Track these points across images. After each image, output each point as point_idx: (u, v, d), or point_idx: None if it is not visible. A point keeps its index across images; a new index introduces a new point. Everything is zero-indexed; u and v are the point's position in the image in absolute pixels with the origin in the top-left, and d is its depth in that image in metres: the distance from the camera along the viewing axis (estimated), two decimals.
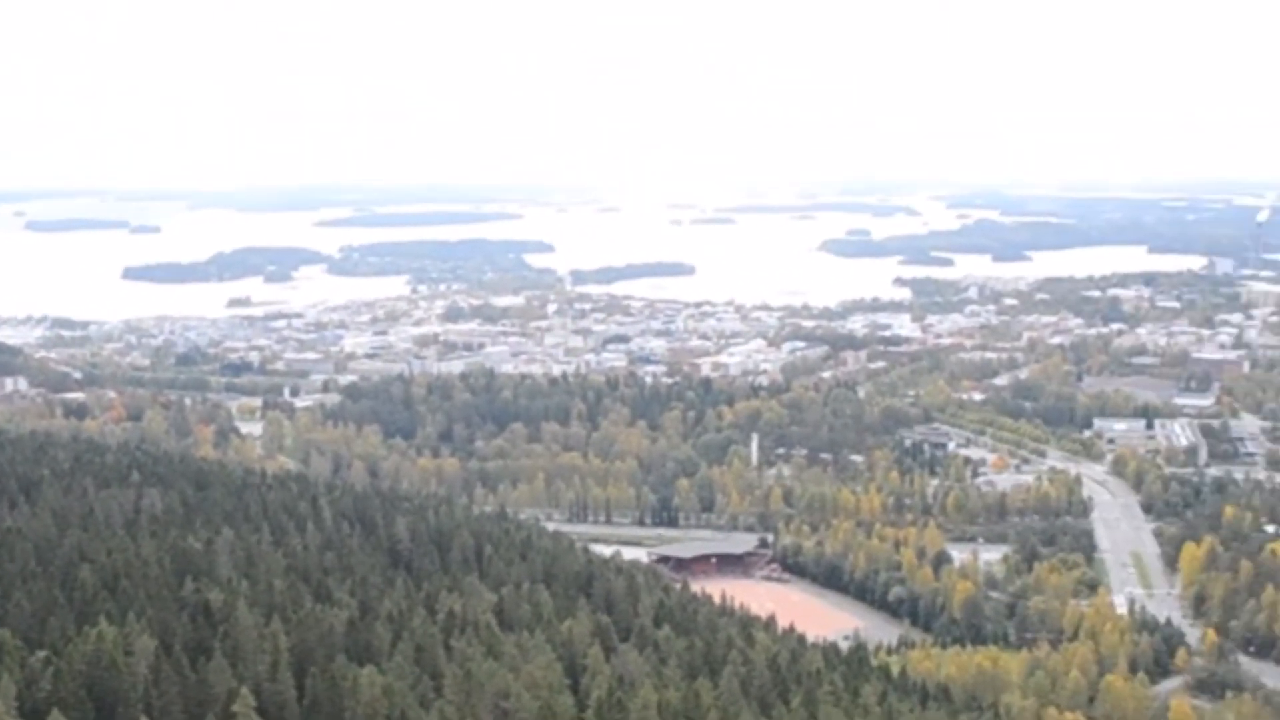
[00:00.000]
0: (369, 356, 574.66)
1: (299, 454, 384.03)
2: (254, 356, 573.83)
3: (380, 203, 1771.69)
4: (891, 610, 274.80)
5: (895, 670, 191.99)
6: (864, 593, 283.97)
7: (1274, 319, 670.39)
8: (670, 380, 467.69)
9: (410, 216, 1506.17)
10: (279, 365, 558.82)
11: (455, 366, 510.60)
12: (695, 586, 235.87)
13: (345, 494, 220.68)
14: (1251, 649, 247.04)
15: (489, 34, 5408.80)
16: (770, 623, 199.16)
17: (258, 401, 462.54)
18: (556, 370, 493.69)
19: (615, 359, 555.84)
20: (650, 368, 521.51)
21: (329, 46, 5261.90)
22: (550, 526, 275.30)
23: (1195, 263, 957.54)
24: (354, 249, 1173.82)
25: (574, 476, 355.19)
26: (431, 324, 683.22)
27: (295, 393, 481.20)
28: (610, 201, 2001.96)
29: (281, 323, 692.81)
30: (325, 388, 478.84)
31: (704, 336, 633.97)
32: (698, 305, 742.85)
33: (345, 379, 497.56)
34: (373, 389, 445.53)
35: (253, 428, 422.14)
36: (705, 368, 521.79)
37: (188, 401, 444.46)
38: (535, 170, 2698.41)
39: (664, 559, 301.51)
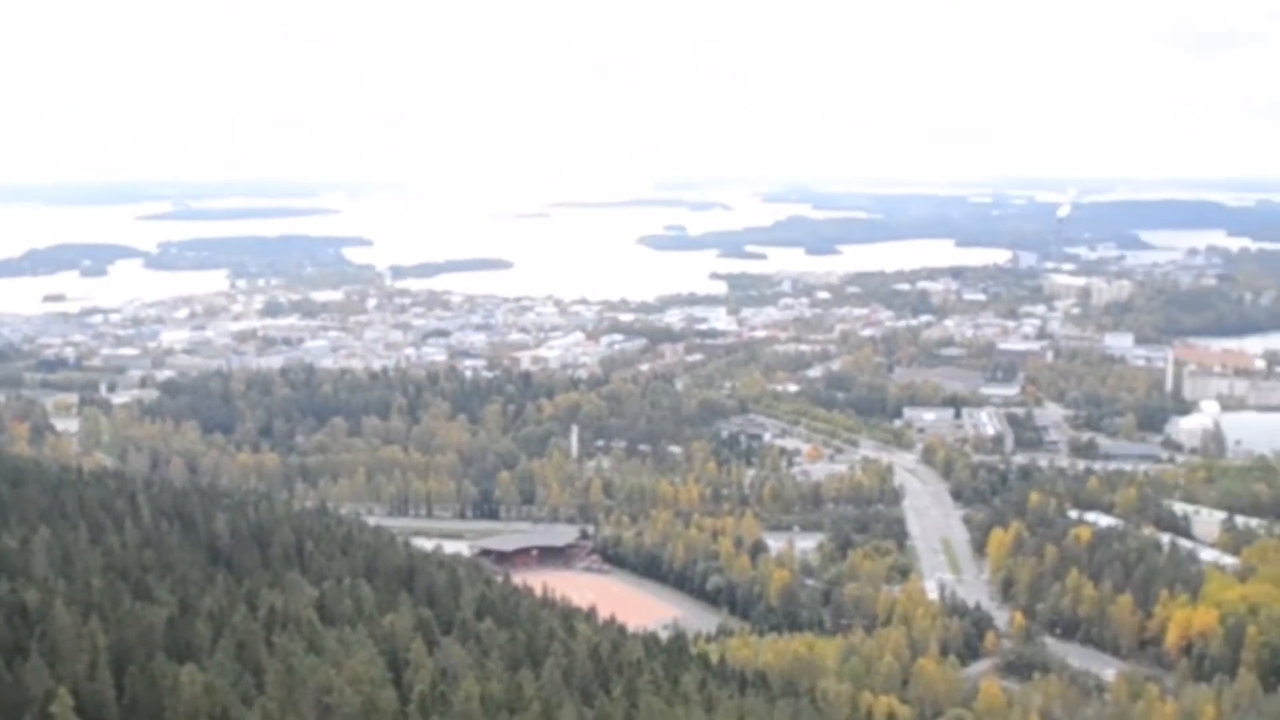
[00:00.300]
0: (187, 352, 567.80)
1: (116, 450, 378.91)
2: (70, 352, 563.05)
3: (199, 197, 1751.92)
4: (710, 599, 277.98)
5: (714, 658, 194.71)
6: (683, 582, 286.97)
7: (1075, 310, 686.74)
8: (490, 374, 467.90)
9: (229, 211, 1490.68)
10: (95, 361, 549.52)
11: (275, 361, 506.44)
12: (517, 579, 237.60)
13: (164, 491, 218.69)
14: (1057, 631, 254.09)
15: (307, 28, 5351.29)
16: (591, 613, 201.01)
17: (74, 398, 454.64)
18: (376, 365, 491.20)
19: (435, 353, 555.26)
20: (470, 362, 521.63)
21: (148, 35, 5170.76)
22: (371, 521, 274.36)
23: (1000, 256, 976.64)
24: (172, 244, 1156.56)
25: (395, 470, 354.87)
26: (250, 319, 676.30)
27: (112, 389, 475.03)
28: (429, 197, 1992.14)
29: (98, 318, 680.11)
30: (143, 384, 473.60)
31: (523, 330, 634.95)
32: (517, 300, 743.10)
33: (163, 375, 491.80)
34: (191, 385, 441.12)
35: (69, 424, 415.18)
36: (525, 361, 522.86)
37: (1, 398, 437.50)
38: (354, 166, 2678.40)
39: (485, 552, 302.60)
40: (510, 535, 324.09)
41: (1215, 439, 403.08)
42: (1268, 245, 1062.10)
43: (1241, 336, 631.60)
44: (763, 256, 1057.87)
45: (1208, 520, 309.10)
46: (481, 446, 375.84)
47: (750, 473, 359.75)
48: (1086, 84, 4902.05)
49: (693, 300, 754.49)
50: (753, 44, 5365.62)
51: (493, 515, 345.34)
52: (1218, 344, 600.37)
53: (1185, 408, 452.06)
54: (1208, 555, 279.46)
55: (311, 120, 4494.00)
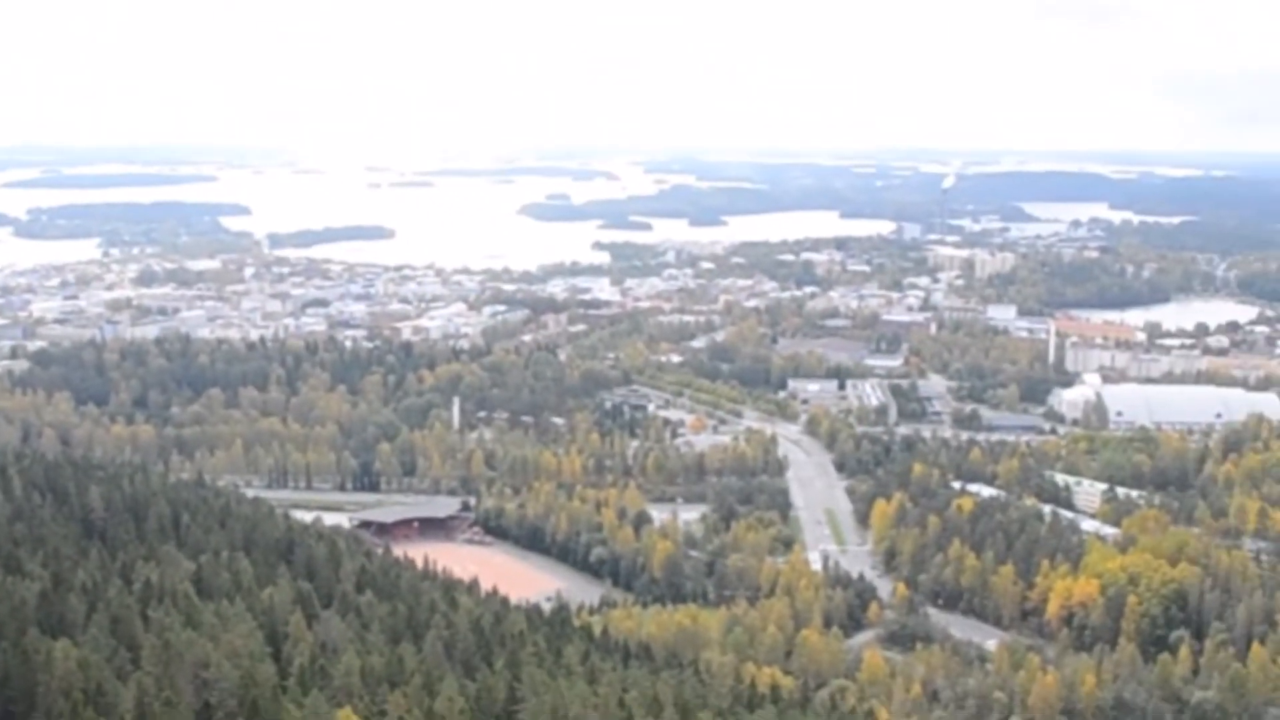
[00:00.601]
0: (59, 322, 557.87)
1: None
2: None
3: (70, 164, 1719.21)
4: (593, 571, 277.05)
5: (597, 630, 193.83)
6: (566, 554, 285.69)
7: (959, 282, 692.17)
8: (370, 344, 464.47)
9: (102, 178, 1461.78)
10: None
11: (149, 331, 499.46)
12: (397, 551, 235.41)
13: (35, 463, 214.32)
14: (940, 601, 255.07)
15: None
16: (473, 586, 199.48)
17: None
18: (254, 335, 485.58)
19: (314, 323, 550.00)
20: (350, 332, 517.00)
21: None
22: (249, 493, 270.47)
23: (884, 228, 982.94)
24: (42, 211, 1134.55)
25: (273, 442, 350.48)
26: (124, 288, 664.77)
27: None
28: (307, 164, 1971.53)
29: None
30: (13, 354, 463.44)
31: (404, 300, 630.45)
32: (398, 269, 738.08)
33: (34, 345, 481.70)
34: (63, 355, 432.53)
35: None
36: (406, 331, 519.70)
37: None
38: (230, 132, 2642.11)
39: (366, 524, 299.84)
40: (391, 507, 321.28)
41: (1097, 410, 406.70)
42: (1150, 218, 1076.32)
43: (1123, 309, 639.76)
44: (647, 227, 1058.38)
45: (1089, 491, 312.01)
46: (361, 418, 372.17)
47: (634, 444, 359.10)
48: (971, 55, 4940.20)
49: (576, 270, 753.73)
50: (635, 12, 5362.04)
51: (373, 487, 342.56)
52: (1100, 316, 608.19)
53: (1067, 379, 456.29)
54: (1089, 526, 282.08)
55: (187, 85, 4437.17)
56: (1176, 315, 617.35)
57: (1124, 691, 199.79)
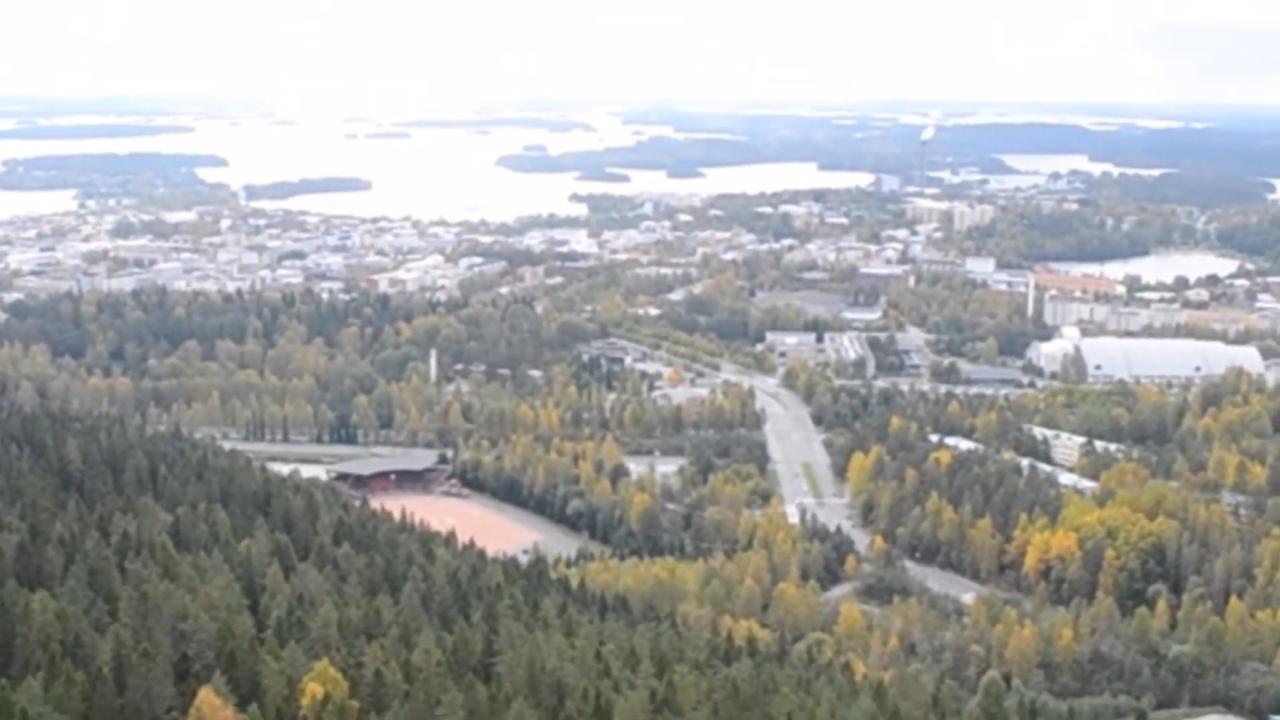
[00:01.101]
0: (35, 274, 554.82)
1: None
2: None
3: (46, 114, 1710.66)
4: (570, 523, 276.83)
5: (574, 583, 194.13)
6: (543, 506, 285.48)
7: (938, 235, 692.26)
8: (347, 297, 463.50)
9: (78, 129, 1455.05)
10: None
11: (126, 284, 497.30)
12: (375, 503, 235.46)
13: (13, 415, 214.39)
14: (917, 555, 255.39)
15: None
16: (450, 538, 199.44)
17: None
18: (231, 287, 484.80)
19: (291, 275, 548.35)
20: (327, 284, 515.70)
21: None
22: (226, 445, 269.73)
23: (863, 180, 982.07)
24: (18, 162, 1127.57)
25: (250, 395, 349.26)
26: (101, 240, 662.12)
27: None
28: (284, 115, 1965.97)
29: None
30: None
31: (381, 253, 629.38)
32: (374, 221, 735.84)
33: (10, 297, 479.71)
34: (40, 307, 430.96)
35: None
36: (383, 284, 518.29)
37: None
38: (207, 83, 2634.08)
39: (343, 476, 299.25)
40: (368, 460, 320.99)
41: (1075, 364, 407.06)
42: (1130, 170, 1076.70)
43: (1103, 262, 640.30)
44: (624, 178, 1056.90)
45: (1067, 445, 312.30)
46: (338, 370, 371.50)
47: (611, 397, 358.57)
48: (951, 6, 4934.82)
49: (553, 222, 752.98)
50: None
51: (350, 440, 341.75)
52: (1079, 269, 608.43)
53: (1046, 333, 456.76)
54: (1067, 479, 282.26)
55: (163, 36, 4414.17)
56: (1156, 268, 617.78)
57: (1101, 645, 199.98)
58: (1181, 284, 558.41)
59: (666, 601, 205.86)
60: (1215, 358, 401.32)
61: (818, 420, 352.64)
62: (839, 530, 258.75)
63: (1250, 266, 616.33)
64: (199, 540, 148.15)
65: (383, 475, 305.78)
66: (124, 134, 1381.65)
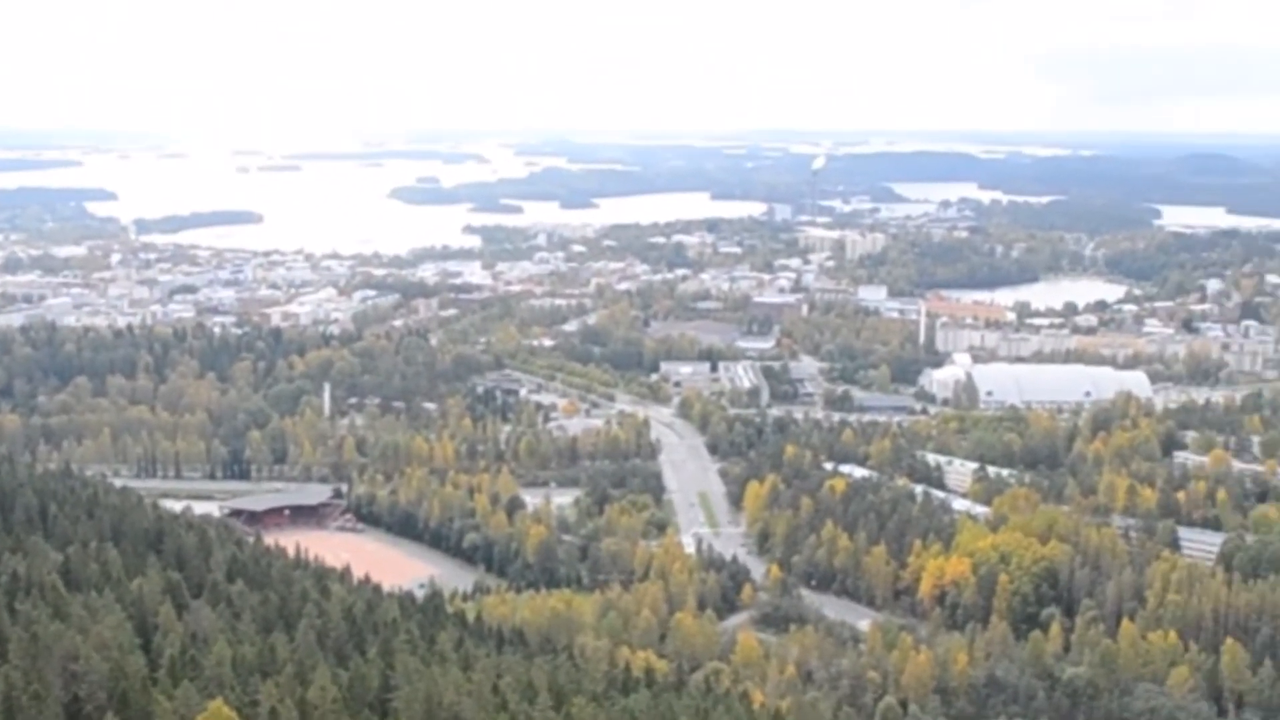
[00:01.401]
0: None
1: None
2: None
3: None
4: (467, 557, 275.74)
5: (471, 617, 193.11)
6: (439, 540, 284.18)
7: (830, 263, 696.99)
8: (240, 331, 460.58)
9: None
10: None
11: (14, 319, 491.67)
12: (269, 540, 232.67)
13: None
14: (813, 583, 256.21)
15: None
16: (345, 573, 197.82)
17: None
18: (122, 322, 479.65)
19: (183, 310, 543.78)
20: (219, 318, 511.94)
21: None
22: (118, 482, 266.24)
23: (756, 209, 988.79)
24: None
25: (142, 431, 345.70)
26: None
27: None
28: (174, 148, 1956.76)
29: None
30: None
31: (274, 286, 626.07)
32: (267, 254, 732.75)
33: None
34: None
35: None
36: (275, 317, 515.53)
37: None
38: (96, 116, 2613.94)
39: (236, 512, 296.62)
40: (262, 495, 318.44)
41: (967, 390, 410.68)
42: (1019, 198, 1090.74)
43: (993, 289, 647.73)
44: (518, 210, 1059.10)
45: (960, 470, 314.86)
46: (231, 405, 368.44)
47: (506, 428, 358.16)
48: (840, 35, 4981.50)
49: (447, 254, 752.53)
50: None
51: (244, 475, 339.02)
52: (970, 296, 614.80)
53: (938, 360, 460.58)
54: (960, 505, 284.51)
55: (50, 69, 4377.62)
56: (1045, 294, 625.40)
57: (996, 669, 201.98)
58: (1070, 310, 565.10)
59: (564, 633, 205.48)
60: (1104, 382, 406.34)
61: (713, 449, 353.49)
62: (735, 559, 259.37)
63: (1138, 292, 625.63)
64: (90, 579, 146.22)
65: (277, 511, 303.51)
66: (11, 168, 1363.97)
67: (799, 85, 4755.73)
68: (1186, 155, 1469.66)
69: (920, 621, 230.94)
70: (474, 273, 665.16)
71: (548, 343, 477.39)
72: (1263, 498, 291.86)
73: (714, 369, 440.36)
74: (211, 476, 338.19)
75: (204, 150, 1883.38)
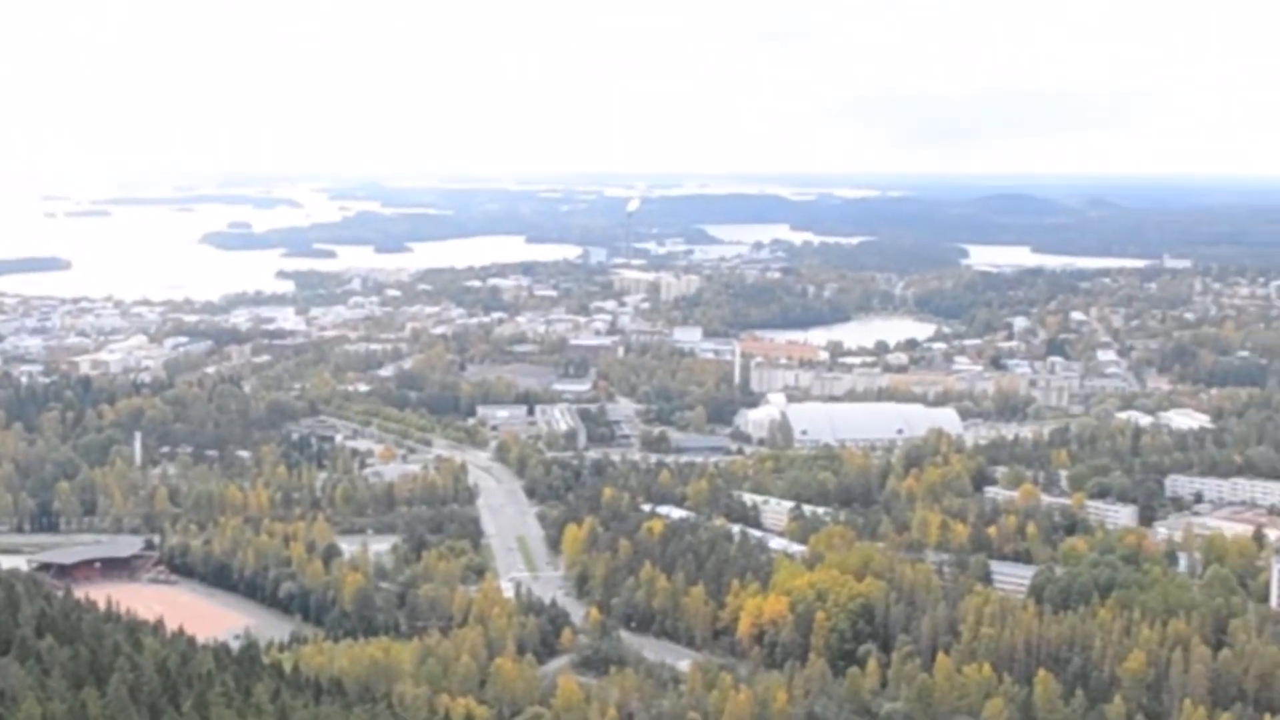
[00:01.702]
0: None
1: None
2: None
3: None
4: (283, 606, 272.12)
5: (288, 667, 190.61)
6: (254, 590, 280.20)
7: (645, 305, 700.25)
8: (47, 380, 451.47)
9: None
10: None
11: None
12: (79, 593, 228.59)
13: None
14: (633, 625, 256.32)
15: None
16: (158, 626, 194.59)
17: None
18: None
19: None
20: (26, 367, 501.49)
21: None
22: None
23: (571, 252, 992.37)
24: None
25: None
26: None
27: None
28: None
29: None
30: None
31: (82, 334, 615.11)
32: (75, 301, 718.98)
33: None
34: None
35: None
36: (84, 366, 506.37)
37: None
38: None
39: (45, 566, 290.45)
40: (71, 548, 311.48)
41: (782, 429, 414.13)
42: (830, 239, 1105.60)
43: (806, 329, 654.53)
44: (331, 254, 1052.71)
45: (776, 510, 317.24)
46: (39, 456, 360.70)
47: (322, 476, 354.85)
48: (653, 80, 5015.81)
49: (260, 300, 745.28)
50: (313, 37, 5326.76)
51: (52, 528, 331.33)
52: (783, 336, 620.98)
53: (753, 400, 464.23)
54: (777, 544, 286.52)
55: None
56: (857, 334, 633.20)
57: (815, 706, 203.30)
58: (882, 349, 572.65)
59: (383, 682, 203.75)
60: (916, 420, 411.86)
61: (531, 493, 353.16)
62: (554, 603, 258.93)
63: (947, 330, 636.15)
64: None
65: (87, 564, 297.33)
66: None
67: (613, 129, 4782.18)
68: (991, 196, 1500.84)
69: (739, 661, 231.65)
70: (288, 318, 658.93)
71: (363, 388, 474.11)
72: (1071, 530, 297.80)
73: (531, 412, 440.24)
74: (19, 529, 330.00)
75: (9, 195, 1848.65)
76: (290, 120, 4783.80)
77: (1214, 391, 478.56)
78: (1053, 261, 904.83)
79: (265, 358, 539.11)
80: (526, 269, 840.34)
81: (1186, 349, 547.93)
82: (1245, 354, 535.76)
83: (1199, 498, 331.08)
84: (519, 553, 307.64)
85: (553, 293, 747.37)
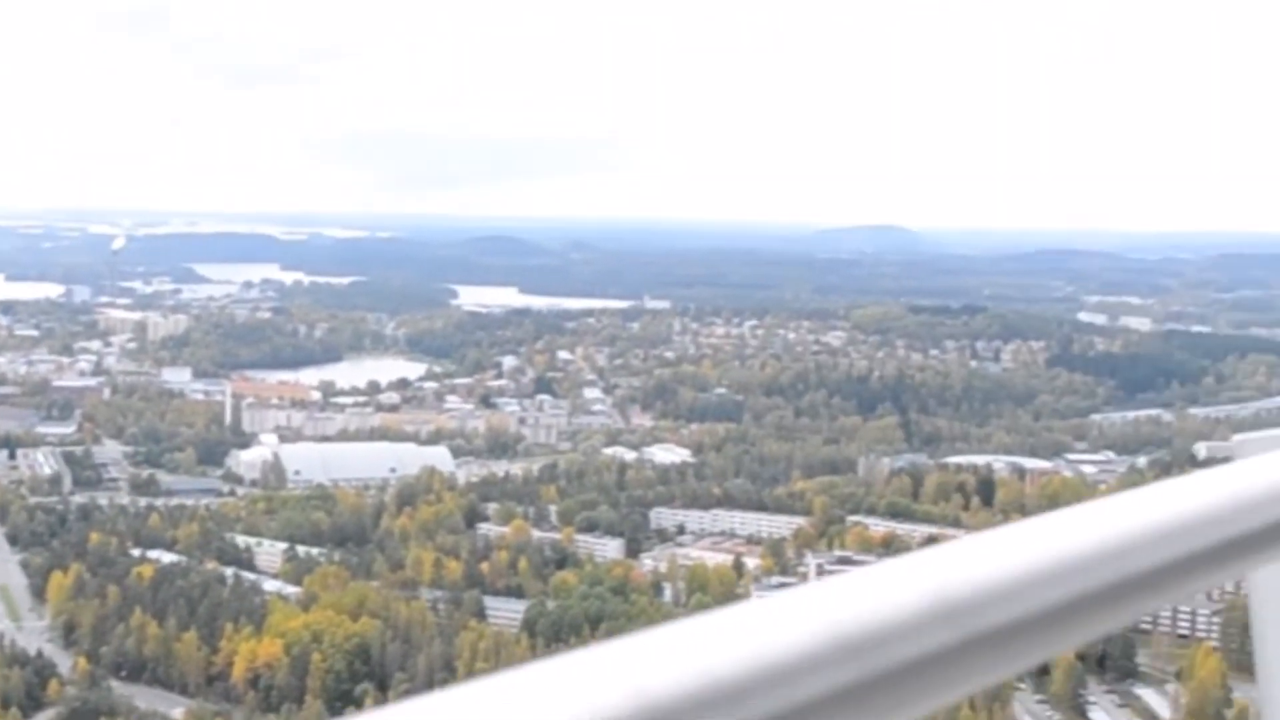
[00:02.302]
0: None
1: None
2: None
3: None
4: None
5: None
6: None
7: (132, 345, 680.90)
8: None
9: None
10: None
11: None
12: None
13: None
14: (123, 673, 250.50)
15: None
16: None
17: None
18: None
19: None
20: None
21: None
22: None
23: (53, 291, 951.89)
24: None
25: None
26: None
27: None
28: None
29: None
30: None
31: None
32: None
33: None
34: None
35: None
36: None
37: None
38: None
39: None
40: None
41: (275, 470, 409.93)
42: (321, 278, 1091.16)
43: (297, 368, 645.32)
44: None
45: (270, 551, 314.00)
46: None
47: None
48: (127, 111, 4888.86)
49: None
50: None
51: None
52: (275, 376, 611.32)
53: (245, 440, 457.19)
54: (271, 586, 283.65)
55: None
56: (349, 373, 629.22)
57: None
58: (374, 388, 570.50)
59: None
60: (409, 458, 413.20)
61: (13, 540, 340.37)
62: (40, 654, 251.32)
63: (438, 369, 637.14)
64: None
65: None
66: None
67: (93, 163, 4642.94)
68: (478, 238, 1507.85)
69: (236, 706, 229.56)
70: None
71: None
72: (561, 564, 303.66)
73: (13, 456, 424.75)
74: None
75: None
76: None
77: (694, 426, 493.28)
78: (539, 302, 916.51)
79: None
80: (6, 308, 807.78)
81: (668, 386, 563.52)
82: (722, 390, 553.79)
83: (682, 529, 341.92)
84: (2, 603, 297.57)
85: (34, 332, 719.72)
